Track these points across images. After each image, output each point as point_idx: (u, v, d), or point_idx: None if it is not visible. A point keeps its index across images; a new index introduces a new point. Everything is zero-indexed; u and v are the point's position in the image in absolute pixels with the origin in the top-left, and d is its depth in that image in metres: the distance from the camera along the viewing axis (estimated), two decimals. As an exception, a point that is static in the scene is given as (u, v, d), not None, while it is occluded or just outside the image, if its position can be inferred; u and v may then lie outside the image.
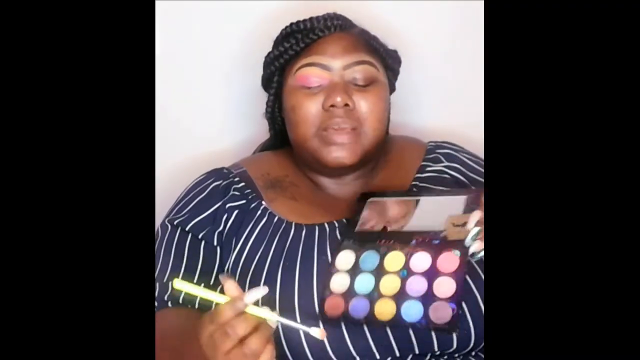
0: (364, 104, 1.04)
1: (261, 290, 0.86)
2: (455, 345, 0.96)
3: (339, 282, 0.96)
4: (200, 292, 0.88)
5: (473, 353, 0.99)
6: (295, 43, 1.06)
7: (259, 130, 1.22)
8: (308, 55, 1.05)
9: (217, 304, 0.86)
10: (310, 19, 1.07)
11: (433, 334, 0.95)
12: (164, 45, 1.24)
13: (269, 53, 1.11)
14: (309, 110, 1.04)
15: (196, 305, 1.02)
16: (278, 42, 1.11)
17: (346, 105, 1.02)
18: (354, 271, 0.96)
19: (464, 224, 0.93)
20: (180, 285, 0.87)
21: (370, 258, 0.97)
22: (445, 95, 1.35)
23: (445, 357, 0.97)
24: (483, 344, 0.98)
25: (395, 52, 1.12)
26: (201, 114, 1.35)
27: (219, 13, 1.31)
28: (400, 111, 1.10)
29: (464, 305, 0.96)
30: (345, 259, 0.98)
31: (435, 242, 0.94)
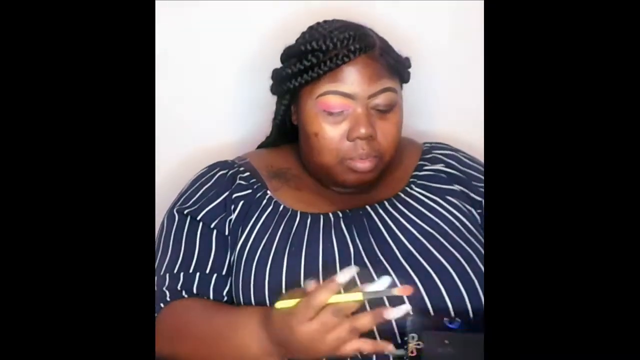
0: (384, 134, 1.05)
1: (352, 270, 0.89)
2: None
3: None
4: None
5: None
6: (316, 65, 1.03)
7: (260, 128, 1.22)
8: (331, 82, 1.03)
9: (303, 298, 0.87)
10: (331, 37, 1.03)
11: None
12: (165, 43, 1.23)
13: (284, 67, 1.09)
14: (333, 139, 1.04)
15: (210, 295, 1.05)
16: (293, 56, 1.08)
17: (370, 136, 1.03)
18: None
19: None
20: (283, 304, 0.89)
21: None
22: (445, 96, 1.36)
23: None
24: (480, 317, 0.99)
25: (407, 59, 1.12)
26: (202, 111, 1.35)
27: (221, 11, 1.31)
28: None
29: (458, 283, 0.99)
30: None
31: None
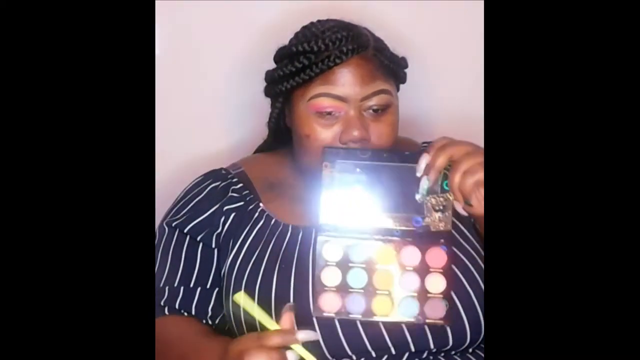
0: (378, 136, 1.03)
1: (313, 335, 0.90)
2: (451, 343, 0.97)
3: (330, 276, 0.97)
4: (257, 312, 0.91)
5: (470, 350, 1.00)
6: (308, 67, 1.01)
7: (258, 131, 1.21)
8: (323, 84, 1.01)
9: (264, 328, 0.90)
10: (323, 38, 1.02)
11: (427, 330, 0.96)
12: (163, 46, 1.24)
13: (276, 69, 1.08)
14: (325, 142, 1.02)
15: (192, 310, 1.04)
16: (285, 57, 1.07)
17: (363, 139, 1.02)
18: (344, 264, 0.97)
19: (444, 208, 0.97)
20: (241, 299, 0.92)
21: (359, 250, 0.97)
22: (445, 96, 1.36)
23: (442, 354, 0.98)
24: (479, 340, 1.00)
25: (404, 59, 1.11)
26: (200, 115, 1.35)
27: (219, 15, 1.31)
28: (400, 111, 1.10)
29: (456, 301, 0.98)
30: (332, 250, 0.98)
31: (419, 232, 0.97)
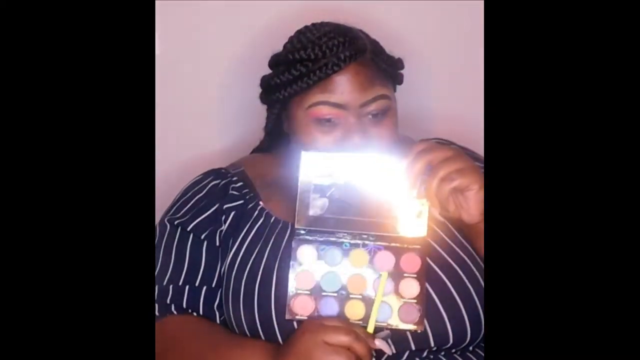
0: (379, 139, 1.03)
1: (386, 347, 0.94)
2: (451, 341, 0.97)
3: (304, 280, 0.97)
4: (376, 308, 0.95)
5: (470, 348, 1.00)
6: (305, 75, 1.01)
7: (257, 131, 1.22)
8: (321, 92, 1.01)
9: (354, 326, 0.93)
10: (320, 45, 1.01)
11: (428, 328, 0.96)
12: (163, 46, 1.24)
13: (272, 76, 1.07)
14: (325, 148, 1.02)
15: (200, 309, 1.04)
16: (280, 64, 1.06)
17: (363, 144, 1.01)
18: (319, 268, 0.98)
19: (420, 214, 0.97)
20: (383, 278, 0.95)
21: (333, 254, 0.98)
22: (445, 96, 1.36)
23: (443, 352, 0.98)
24: (480, 338, 1.00)
25: (400, 60, 1.10)
26: (199, 114, 1.35)
27: (219, 14, 1.31)
28: (399, 111, 1.10)
29: (457, 299, 0.98)
30: (307, 254, 0.99)
31: (394, 236, 0.97)
